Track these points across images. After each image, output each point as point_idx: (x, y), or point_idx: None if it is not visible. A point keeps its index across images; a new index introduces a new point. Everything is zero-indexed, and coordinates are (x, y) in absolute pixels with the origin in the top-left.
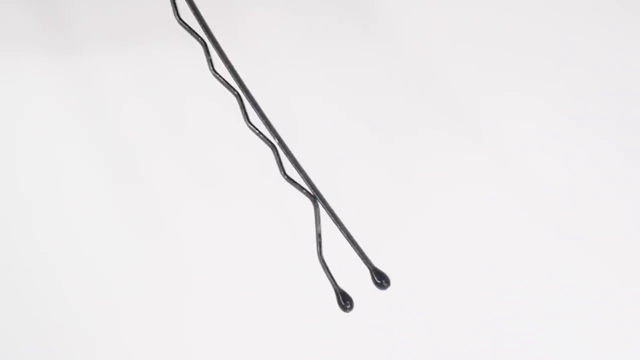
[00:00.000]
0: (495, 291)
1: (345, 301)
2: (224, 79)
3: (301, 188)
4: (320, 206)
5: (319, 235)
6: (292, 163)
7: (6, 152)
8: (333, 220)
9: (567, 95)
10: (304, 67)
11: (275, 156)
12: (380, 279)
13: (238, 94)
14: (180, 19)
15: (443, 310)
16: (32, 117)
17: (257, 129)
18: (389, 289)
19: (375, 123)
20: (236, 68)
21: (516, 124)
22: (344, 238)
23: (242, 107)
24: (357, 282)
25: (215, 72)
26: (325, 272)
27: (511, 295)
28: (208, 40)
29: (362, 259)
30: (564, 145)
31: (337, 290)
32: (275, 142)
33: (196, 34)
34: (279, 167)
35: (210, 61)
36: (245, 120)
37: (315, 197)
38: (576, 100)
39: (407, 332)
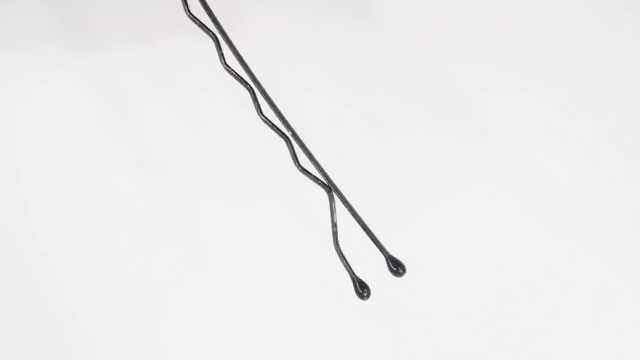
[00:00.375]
0: (497, 283)
1: (362, 289)
2: (236, 73)
3: (316, 179)
4: (335, 196)
5: (334, 225)
6: (306, 154)
7: (11, 151)
8: (348, 210)
9: (567, 93)
10: (313, 61)
11: (289, 148)
12: (396, 267)
13: (250, 87)
14: (190, 13)
15: (457, 297)
16: (43, 115)
17: (270, 122)
18: (405, 276)
19: (386, 116)
20: (247, 61)
21: (516, 122)
22: (360, 227)
23: (255, 100)
24: (374, 270)
25: (227, 66)
26: (342, 261)
27: (511, 290)
28: (219, 33)
29: (377, 247)
30: (564, 144)
31: (354, 279)
32: (289, 134)
33: (207, 28)
34: (293, 158)
35: (221, 55)
36: (258, 113)
37: (330, 187)
38: (576, 98)
39: (424, 318)
